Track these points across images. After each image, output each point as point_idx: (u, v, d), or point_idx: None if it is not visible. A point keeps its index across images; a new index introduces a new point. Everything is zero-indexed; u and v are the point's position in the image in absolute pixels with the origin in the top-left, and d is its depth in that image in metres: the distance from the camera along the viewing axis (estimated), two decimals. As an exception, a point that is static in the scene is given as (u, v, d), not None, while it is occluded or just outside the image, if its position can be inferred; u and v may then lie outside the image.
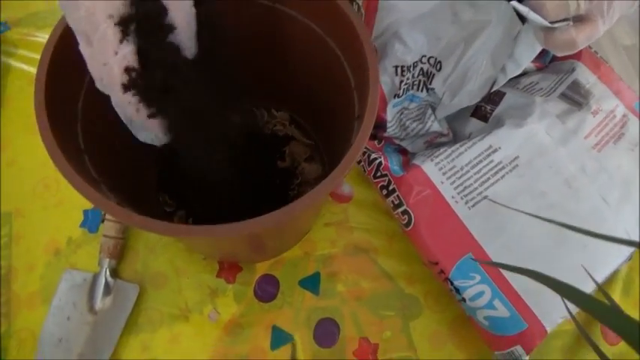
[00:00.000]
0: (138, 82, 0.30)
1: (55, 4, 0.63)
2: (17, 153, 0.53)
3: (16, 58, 0.58)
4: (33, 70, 0.57)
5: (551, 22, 0.36)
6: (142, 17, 0.27)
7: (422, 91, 0.48)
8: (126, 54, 0.27)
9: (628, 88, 0.47)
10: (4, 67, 0.58)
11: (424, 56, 0.46)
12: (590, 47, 0.50)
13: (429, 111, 0.49)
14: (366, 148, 0.48)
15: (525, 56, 0.43)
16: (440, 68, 0.46)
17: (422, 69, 0.47)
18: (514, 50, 0.43)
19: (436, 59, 0.46)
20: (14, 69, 0.58)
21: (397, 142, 0.50)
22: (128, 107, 0.31)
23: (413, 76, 0.47)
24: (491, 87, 0.45)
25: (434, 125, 0.48)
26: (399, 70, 0.46)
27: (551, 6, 0.36)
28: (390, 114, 0.48)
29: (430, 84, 0.47)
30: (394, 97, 0.47)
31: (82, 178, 0.29)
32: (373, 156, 0.47)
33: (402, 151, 0.49)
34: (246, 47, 0.45)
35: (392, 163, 0.46)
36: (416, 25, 0.44)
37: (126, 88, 0.30)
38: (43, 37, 0.59)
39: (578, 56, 0.48)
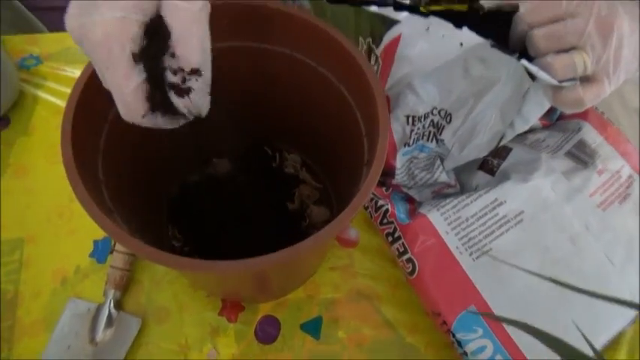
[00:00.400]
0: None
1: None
2: (36, 180, 0.55)
3: (45, 90, 0.61)
4: (59, 102, 0.60)
5: (559, 81, 0.38)
6: (153, 48, 0.27)
7: (431, 141, 0.49)
8: (139, 82, 0.27)
9: (635, 150, 0.48)
10: (32, 97, 0.61)
11: (435, 108, 0.47)
12: (596, 108, 0.51)
13: (438, 162, 0.50)
14: (373, 194, 0.49)
15: (533, 113, 0.44)
16: (450, 120, 0.47)
17: (432, 120, 0.48)
18: (522, 107, 0.44)
19: (446, 111, 0.47)
20: (41, 100, 0.60)
21: (405, 190, 0.51)
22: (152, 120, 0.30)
23: (423, 127, 0.48)
24: (499, 141, 0.46)
25: (442, 176, 0.49)
26: (411, 119, 0.47)
27: (559, 66, 0.37)
28: (400, 162, 0.49)
29: (440, 135, 0.48)
30: (404, 145, 0.49)
31: (99, 208, 0.30)
32: (380, 203, 0.48)
33: (409, 200, 0.50)
34: (264, 90, 0.47)
35: (399, 211, 0.47)
36: (429, 78, 0.46)
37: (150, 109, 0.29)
38: (71, 71, 0.63)
39: (584, 116, 0.49)
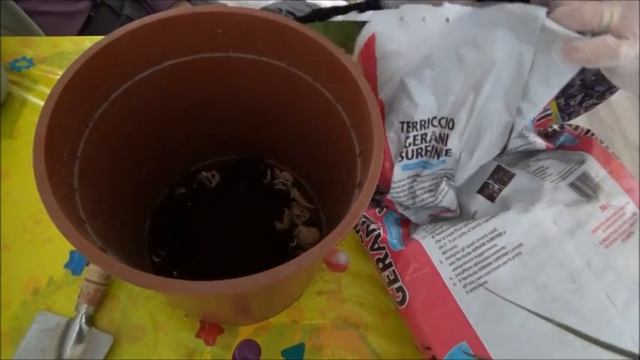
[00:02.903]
0: None
1: (82, 46, 0.65)
2: (15, 184, 0.52)
3: (34, 94, 0.60)
4: (48, 106, 0.58)
5: (578, 32, 0.35)
6: None
7: (435, 157, 0.46)
8: None
9: (638, 186, 0.46)
10: (21, 100, 0.59)
11: (435, 117, 0.44)
12: (601, 142, 0.50)
13: (443, 184, 0.46)
14: (365, 217, 0.47)
15: (541, 95, 0.41)
16: (453, 126, 0.44)
17: (434, 133, 0.45)
18: (528, 90, 0.41)
19: (447, 118, 0.44)
20: (30, 103, 0.59)
21: (400, 210, 0.49)
22: None
23: (425, 141, 0.45)
24: (510, 133, 0.43)
25: (444, 201, 0.46)
26: (405, 126, 0.45)
27: (588, 10, 0.35)
28: (399, 175, 0.46)
29: (446, 145, 0.45)
30: (400, 156, 0.46)
31: (68, 217, 0.28)
32: (372, 227, 0.46)
33: (403, 223, 0.48)
34: (259, 104, 0.46)
35: (390, 236, 0.45)
36: (423, 79, 0.43)
37: None
38: (64, 76, 0.61)
39: (588, 148, 0.48)
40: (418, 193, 0.47)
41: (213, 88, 0.44)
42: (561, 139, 0.50)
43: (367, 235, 0.46)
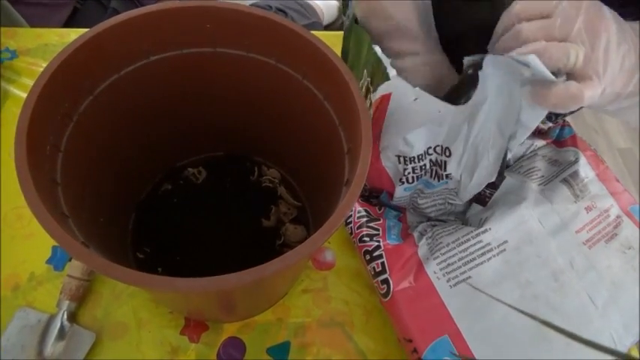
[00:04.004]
0: None
1: (67, 38, 0.64)
2: (-3, 179, 0.51)
3: (17, 86, 0.58)
4: (32, 99, 0.57)
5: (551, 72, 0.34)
6: None
7: (436, 179, 0.46)
8: None
9: (624, 191, 0.47)
10: (4, 92, 0.58)
11: (430, 147, 0.44)
12: (589, 145, 0.50)
13: (447, 205, 0.47)
14: (367, 212, 0.47)
15: (532, 118, 0.40)
16: (450, 154, 0.44)
17: (431, 160, 0.45)
18: (520, 116, 0.41)
19: (442, 147, 0.44)
20: (13, 96, 0.58)
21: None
22: None
23: (425, 167, 0.45)
24: (505, 156, 0.43)
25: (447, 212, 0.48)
26: (402, 159, 0.45)
27: (555, 50, 0.34)
28: (400, 193, 0.47)
29: (444, 170, 0.45)
30: (400, 181, 0.46)
31: (50, 211, 0.27)
32: (372, 224, 0.46)
33: (403, 219, 0.49)
34: (247, 100, 0.45)
35: (389, 232, 0.45)
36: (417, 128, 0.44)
37: None
38: (48, 68, 0.60)
39: (582, 148, 0.48)
40: (421, 205, 0.48)
41: (200, 84, 0.43)
42: (557, 131, 0.50)
43: (358, 228, 0.46)
